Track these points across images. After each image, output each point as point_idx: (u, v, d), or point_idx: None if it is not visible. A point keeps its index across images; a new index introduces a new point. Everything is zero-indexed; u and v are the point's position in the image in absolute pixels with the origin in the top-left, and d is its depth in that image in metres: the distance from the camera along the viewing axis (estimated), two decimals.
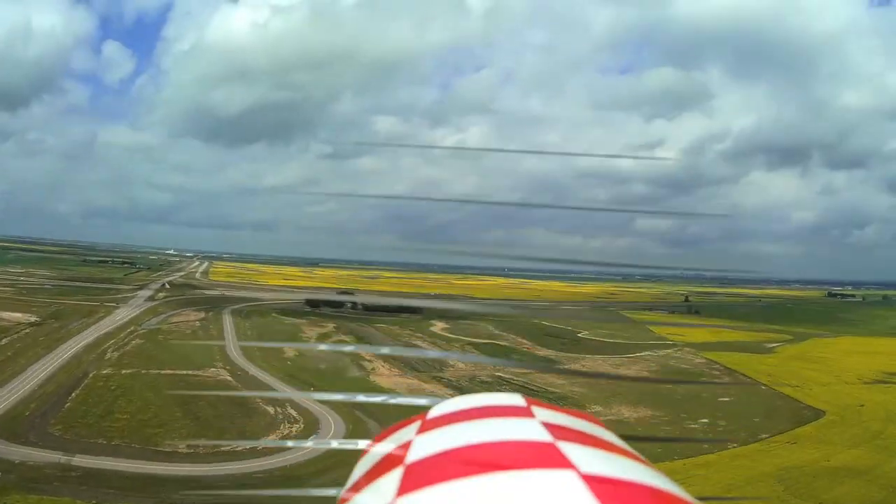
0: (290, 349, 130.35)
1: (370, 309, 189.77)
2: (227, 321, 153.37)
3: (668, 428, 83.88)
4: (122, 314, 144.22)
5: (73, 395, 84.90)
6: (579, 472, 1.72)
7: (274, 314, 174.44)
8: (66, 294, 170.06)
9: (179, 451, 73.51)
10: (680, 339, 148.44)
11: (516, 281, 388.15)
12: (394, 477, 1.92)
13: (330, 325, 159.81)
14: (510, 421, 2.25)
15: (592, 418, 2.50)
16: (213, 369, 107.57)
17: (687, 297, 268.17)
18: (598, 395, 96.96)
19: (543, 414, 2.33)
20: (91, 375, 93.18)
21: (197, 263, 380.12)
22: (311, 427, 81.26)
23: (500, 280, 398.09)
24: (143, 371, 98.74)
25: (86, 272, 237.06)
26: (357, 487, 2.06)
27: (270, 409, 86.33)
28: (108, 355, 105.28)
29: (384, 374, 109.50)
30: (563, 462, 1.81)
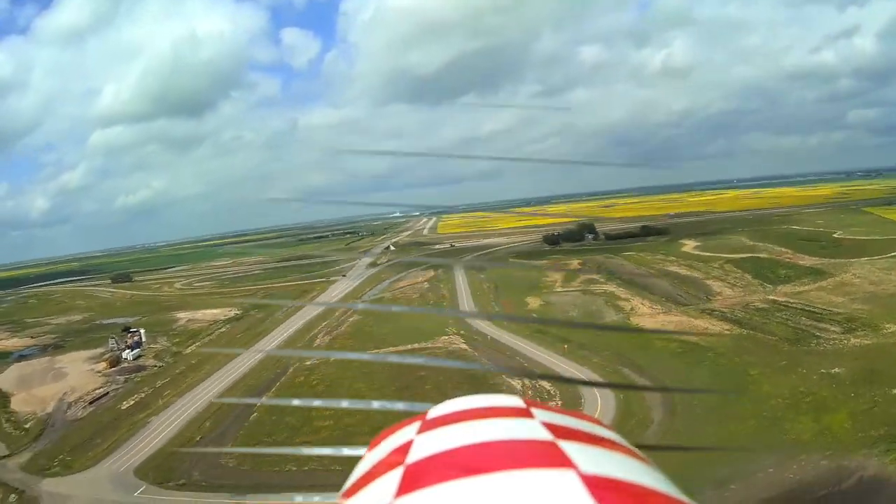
0: (533, 300, 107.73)
1: (612, 238, 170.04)
2: (460, 277, 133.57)
3: None
4: (340, 288, 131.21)
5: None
6: (579, 472, 1.69)
7: (510, 259, 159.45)
8: (276, 277, 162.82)
9: None
10: None
11: (748, 192, 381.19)
12: (393, 478, 1.90)
13: (574, 262, 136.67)
14: (510, 421, 2.22)
15: (592, 418, 2.40)
16: (444, 338, 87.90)
17: None
18: (886, 312, 78.14)
19: (543, 415, 2.29)
20: (290, 371, 75.29)
21: (424, 220, 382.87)
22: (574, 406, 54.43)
23: (732, 192, 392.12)
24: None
25: (302, 251, 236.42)
26: (356, 488, 2.02)
27: (517, 386, 62.90)
28: (318, 341, 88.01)
29: (646, 314, 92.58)
30: (563, 462, 1.78)
